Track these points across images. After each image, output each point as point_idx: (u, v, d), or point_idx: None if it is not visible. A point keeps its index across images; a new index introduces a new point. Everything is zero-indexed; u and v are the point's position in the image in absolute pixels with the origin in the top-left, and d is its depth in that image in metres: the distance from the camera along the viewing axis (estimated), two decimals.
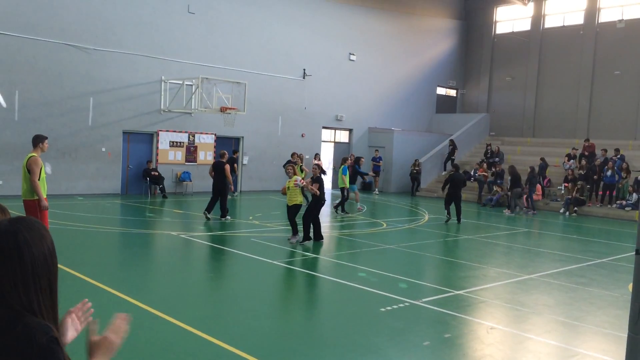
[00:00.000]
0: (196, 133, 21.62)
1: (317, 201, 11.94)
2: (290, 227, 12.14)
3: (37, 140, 8.28)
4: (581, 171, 22.08)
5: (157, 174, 19.91)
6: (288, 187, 11.77)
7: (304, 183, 11.96)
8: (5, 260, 1.72)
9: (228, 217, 14.92)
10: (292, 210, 11.85)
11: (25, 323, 1.69)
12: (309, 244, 11.70)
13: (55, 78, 18.01)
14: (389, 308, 7.33)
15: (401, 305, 7.50)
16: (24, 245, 1.74)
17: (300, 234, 11.94)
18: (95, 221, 13.43)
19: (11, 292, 1.71)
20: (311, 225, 11.84)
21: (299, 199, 11.79)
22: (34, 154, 8.14)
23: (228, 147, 22.67)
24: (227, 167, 14.81)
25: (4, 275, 1.72)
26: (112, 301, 7.15)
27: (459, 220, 16.26)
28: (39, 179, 8.06)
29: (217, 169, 14.81)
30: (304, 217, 11.84)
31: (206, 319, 6.59)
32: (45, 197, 8.22)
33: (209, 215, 14.60)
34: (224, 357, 5.47)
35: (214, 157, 22.17)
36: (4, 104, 17.06)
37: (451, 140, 26.41)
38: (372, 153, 26.12)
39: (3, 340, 1.67)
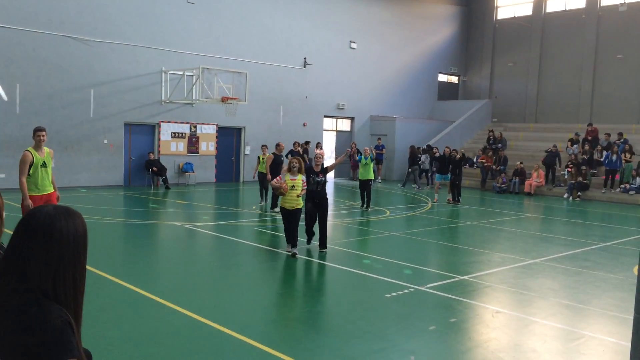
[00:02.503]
0: (198, 124, 21.58)
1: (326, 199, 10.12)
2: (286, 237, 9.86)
3: (33, 134, 7.82)
4: (584, 156, 22.03)
5: (156, 169, 19.85)
6: (293, 186, 9.36)
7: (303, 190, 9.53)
8: (37, 242, 1.77)
9: (265, 205, 15.25)
10: (297, 215, 9.56)
11: (41, 305, 1.72)
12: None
13: (55, 70, 17.97)
14: (394, 294, 7.34)
15: (406, 291, 7.51)
16: (58, 232, 1.79)
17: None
18: (99, 213, 13.45)
19: (36, 275, 1.76)
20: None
21: (301, 202, 9.57)
22: (27, 149, 7.80)
23: (230, 137, 22.69)
24: (269, 157, 14.81)
25: (33, 256, 1.76)
26: (119, 291, 7.17)
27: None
28: (29, 175, 7.66)
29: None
30: (325, 221, 9.86)
31: (212, 308, 6.61)
32: (40, 194, 7.73)
33: (276, 210, 14.20)
34: (231, 345, 5.49)
35: (216, 148, 22.19)
36: (4, 97, 17.04)
37: (428, 145, 25.51)
38: (374, 141, 26.06)
39: (19, 320, 1.70)
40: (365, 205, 15.60)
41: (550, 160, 22.23)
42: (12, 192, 13.68)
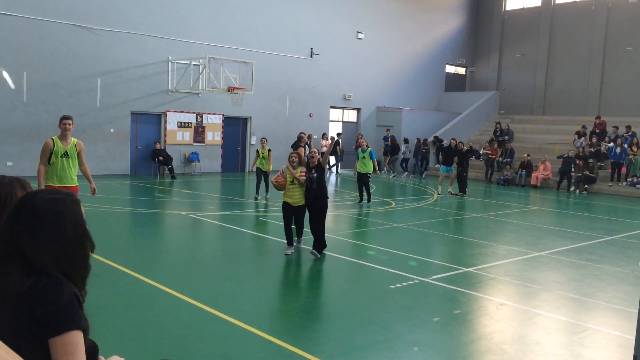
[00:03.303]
0: (204, 113, 21.58)
1: (325, 196, 9.11)
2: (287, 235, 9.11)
3: (59, 122, 7.48)
4: (592, 149, 21.90)
5: (162, 158, 19.91)
6: (292, 181, 8.85)
7: (302, 177, 8.82)
8: (45, 225, 1.86)
9: None
10: (301, 211, 9.01)
11: (52, 279, 1.83)
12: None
13: (62, 59, 17.99)
14: (398, 285, 7.35)
15: (411, 282, 7.51)
16: (65, 214, 1.90)
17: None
18: (105, 202, 13.49)
19: (47, 254, 1.85)
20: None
21: (303, 198, 8.92)
22: (51, 137, 7.51)
23: (236, 127, 22.70)
24: (300, 150, 14.53)
25: (43, 238, 1.85)
26: (125, 280, 7.22)
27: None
28: (49, 165, 7.35)
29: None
30: (323, 222, 8.98)
31: (217, 297, 6.63)
32: (58, 185, 7.33)
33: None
34: (235, 333, 5.51)
35: (222, 138, 22.20)
36: (12, 85, 17.09)
37: (436, 137, 25.52)
38: (381, 132, 26.02)
39: (31, 292, 1.80)
40: (366, 199, 14.94)
41: (566, 166, 20.59)
42: None
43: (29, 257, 1.83)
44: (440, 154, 21.00)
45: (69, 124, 7.43)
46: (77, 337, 1.79)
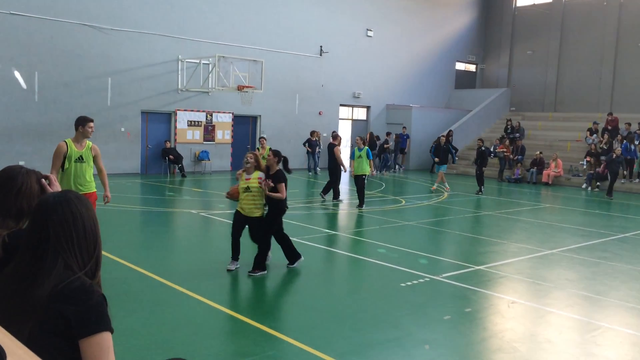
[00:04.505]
0: (214, 112, 21.64)
1: (279, 208, 7.75)
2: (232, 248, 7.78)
3: (77, 124, 6.76)
4: (604, 146, 21.71)
5: (172, 157, 20.02)
6: (246, 188, 7.47)
7: (265, 184, 7.46)
8: (62, 226, 1.91)
9: (340, 199, 14.84)
10: (254, 224, 7.64)
11: (82, 280, 1.88)
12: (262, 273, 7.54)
13: (73, 59, 18.10)
14: (409, 283, 7.33)
15: (421, 280, 7.49)
16: (77, 213, 1.94)
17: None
18: (116, 200, 13.53)
19: (69, 254, 1.90)
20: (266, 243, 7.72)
21: (260, 208, 7.57)
22: (64, 140, 6.83)
23: (245, 125, 22.75)
24: (337, 149, 14.60)
25: (63, 238, 1.90)
26: (137, 278, 7.25)
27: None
28: (63, 171, 6.72)
29: (328, 151, 14.96)
30: (265, 235, 7.65)
31: (228, 295, 6.66)
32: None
33: (324, 197, 14.65)
34: (246, 331, 5.53)
35: (232, 136, 22.24)
36: (23, 85, 17.22)
37: (450, 131, 25.23)
38: (391, 129, 25.94)
39: (63, 291, 1.83)
40: (358, 203, 13.67)
41: (616, 167, 18.82)
42: None
43: (64, 258, 1.88)
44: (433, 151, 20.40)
45: (93, 127, 6.83)
46: (107, 339, 1.83)
